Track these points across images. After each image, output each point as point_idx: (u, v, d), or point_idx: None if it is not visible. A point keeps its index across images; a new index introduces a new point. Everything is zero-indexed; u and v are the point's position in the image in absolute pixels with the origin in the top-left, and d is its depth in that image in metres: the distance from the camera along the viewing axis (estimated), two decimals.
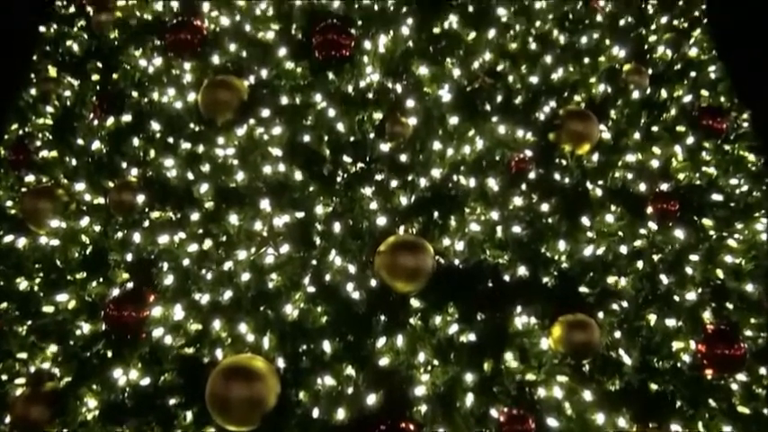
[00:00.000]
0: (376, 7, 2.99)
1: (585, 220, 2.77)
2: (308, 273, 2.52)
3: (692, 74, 3.46)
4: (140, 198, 2.77)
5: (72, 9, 3.65)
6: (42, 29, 3.65)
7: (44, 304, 2.79)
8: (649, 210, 2.97)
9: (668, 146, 3.11)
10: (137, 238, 2.70)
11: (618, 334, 2.65)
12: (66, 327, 2.71)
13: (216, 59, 2.96)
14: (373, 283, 2.51)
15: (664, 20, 3.56)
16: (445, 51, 2.95)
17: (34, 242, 2.98)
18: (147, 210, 2.76)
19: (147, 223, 2.74)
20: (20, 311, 2.90)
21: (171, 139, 2.87)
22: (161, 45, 3.07)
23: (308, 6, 2.99)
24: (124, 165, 2.93)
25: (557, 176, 2.86)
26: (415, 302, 2.48)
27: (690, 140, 3.19)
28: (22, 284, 2.94)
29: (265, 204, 2.60)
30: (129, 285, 2.68)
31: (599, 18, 3.30)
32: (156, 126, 2.91)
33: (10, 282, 2.96)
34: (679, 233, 2.92)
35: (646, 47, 3.40)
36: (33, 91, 3.49)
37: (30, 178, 3.17)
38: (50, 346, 2.74)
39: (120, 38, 3.23)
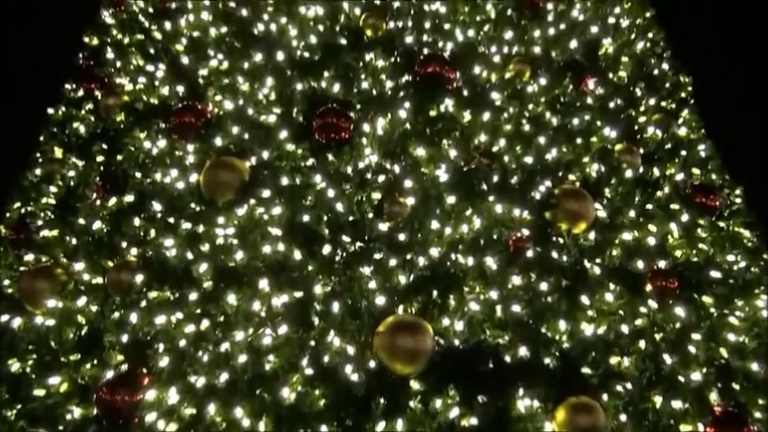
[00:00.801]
0: (374, 91, 3.12)
1: (585, 299, 2.77)
2: (305, 354, 2.49)
3: (683, 153, 3.55)
4: (139, 278, 2.77)
5: (81, 92, 3.78)
6: (51, 111, 3.75)
7: (36, 387, 2.73)
8: (648, 287, 2.96)
9: (663, 223, 3.14)
10: (133, 318, 2.68)
11: (624, 417, 2.58)
12: (57, 411, 2.64)
13: (218, 141, 3.04)
14: (372, 364, 2.47)
15: (652, 101, 3.68)
16: (442, 133, 3.03)
17: (29, 322, 2.95)
18: (144, 289, 2.75)
19: (144, 303, 2.72)
20: (10, 394, 2.84)
21: (171, 219, 2.90)
22: (166, 127, 3.16)
23: (309, 90, 3.11)
24: (124, 244, 2.95)
25: (554, 255, 2.87)
26: (414, 385, 2.44)
27: (685, 218, 3.22)
28: (14, 366, 2.88)
29: (264, 284, 2.61)
30: (124, 367, 2.64)
31: (589, 100, 3.42)
32: (157, 206, 2.95)
33: (2, 363, 2.91)
34: (680, 311, 2.90)
35: (636, 127, 3.50)
36: (38, 171, 3.57)
37: (29, 257, 3.18)
38: (40, 431, 2.66)
39: (126, 120, 3.33)
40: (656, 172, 3.35)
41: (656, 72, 3.88)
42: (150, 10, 3.71)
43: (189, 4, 3.55)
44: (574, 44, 3.55)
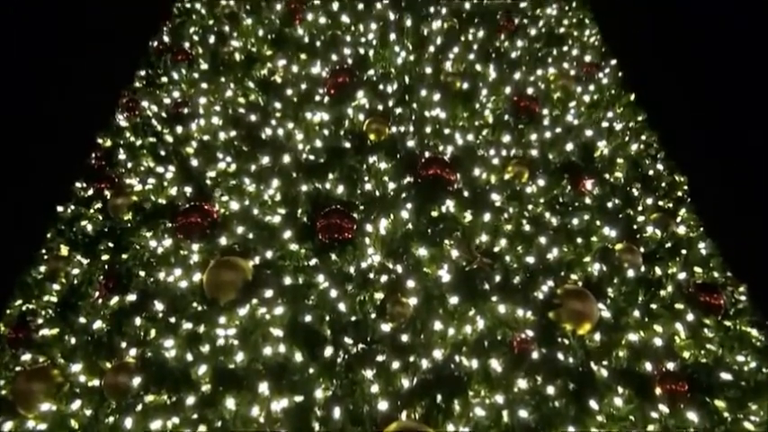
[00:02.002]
0: (377, 193, 3.20)
1: (593, 404, 2.68)
2: None
3: (683, 251, 3.56)
4: (136, 380, 2.71)
5: (91, 192, 3.88)
6: (60, 209, 3.84)
7: None
8: (658, 391, 2.88)
9: (669, 324, 3.11)
10: (128, 423, 2.60)
11: None
12: None
13: (223, 240, 3.08)
14: None
15: (649, 201, 3.76)
16: (443, 233, 3.07)
17: (21, 426, 2.87)
18: (141, 393, 2.69)
19: (140, 407, 2.65)
20: None
21: (173, 319, 2.88)
22: (172, 227, 3.21)
23: (314, 192, 3.19)
24: (123, 345, 2.92)
25: (560, 357, 2.82)
26: None
27: (690, 318, 3.19)
28: None
29: (264, 388, 2.55)
30: None
31: (587, 201, 3.50)
32: (159, 306, 2.93)
33: None
34: (692, 416, 2.81)
35: (635, 227, 3.54)
36: (42, 268, 3.60)
37: (26, 357, 3.14)
38: None
39: (133, 220, 3.39)
40: (658, 271, 3.36)
41: (651, 172, 3.99)
42: (163, 114, 3.89)
43: (200, 109, 3.73)
44: (570, 146, 3.67)
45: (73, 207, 3.84)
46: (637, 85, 4.41)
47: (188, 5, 4.69)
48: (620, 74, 4.38)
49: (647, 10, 7.40)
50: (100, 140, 4.08)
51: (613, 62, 4.42)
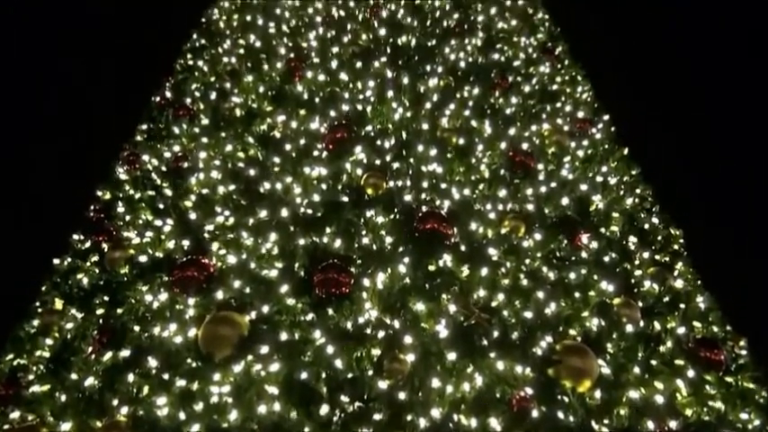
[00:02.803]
0: (374, 247, 3.20)
1: None
2: None
3: (682, 306, 3.55)
4: None
5: (88, 244, 3.87)
6: (56, 261, 3.82)
7: None
8: None
9: (670, 380, 3.06)
10: None
11: None
12: None
13: (220, 295, 3.06)
14: None
15: (646, 255, 3.76)
16: (441, 288, 3.06)
17: None
18: None
19: None
20: None
21: (166, 376, 2.83)
22: (168, 281, 3.20)
23: (311, 246, 3.19)
24: (115, 402, 2.84)
25: (560, 415, 2.76)
26: None
27: (691, 374, 3.14)
28: None
29: None
30: None
31: (584, 255, 3.50)
32: (152, 362, 2.89)
33: None
34: None
35: (632, 281, 3.53)
36: (36, 322, 3.55)
37: (15, 415, 3.06)
38: None
39: (129, 273, 3.37)
40: (657, 326, 3.33)
41: (646, 226, 4.01)
42: (163, 168, 3.94)
43: (200, 163, 3.78)
44: (565, 201, 3.70)
45: (69, 259, 3.82)
46: (630, 139, 4.50)
47: (190, 62, 4.82)
48: (612, 129, 4.48)
49: (637, 66, 7.61)
50: (99, 193, 4.10)
51: (606, 117, 4.53)
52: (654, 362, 3.14)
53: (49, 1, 7.63)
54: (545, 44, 5.11)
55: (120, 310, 3.23)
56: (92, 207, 4.14)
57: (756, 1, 7.34)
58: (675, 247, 4.06)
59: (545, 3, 5.70)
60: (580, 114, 4.46)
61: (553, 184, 3.78)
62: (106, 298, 3.39)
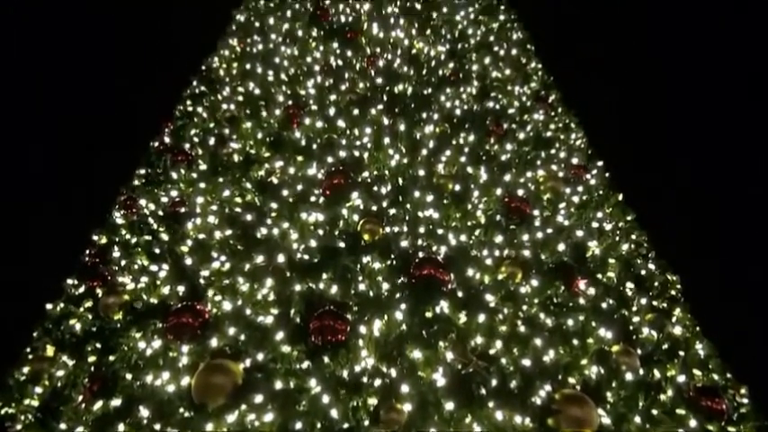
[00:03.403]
0: (371, 293, 3.19)
1: None
2: None
3: (681, 353, 3.52)
4: None
5: (82, 289, 3.84)
6: (49, 306, 3.77)
7: None
8: None
9: (672, 430, 3.00)
10: None
11: None
12: None
13: (214, 342, 3.03)
14: None
15: (643, 301, 3.75)
16: (438, 335, 3.03)
17: None
18: None
19: None
20: None
21: (158, 426, 2.77)
22: (162, 327, 3.16)
23: (307, 292, 3.18)
24: None
25: None
26: None
27: (693, 423, 3.08)
28: None
29: None
30: None
31: (581, 301, 3.49)
32: (144, 412, 2.83)
33: None
34: None
35: (631, 328, 3.51)
36: (26, 369, 3.48)
37: None
38: None
39: (123, 320, 3.34)
40: (657, 374, 3.29)
41: (643, 272, 4.01)
42: (160, 213, 3.94)
43: (197, 208, 3.78)
44: (562, 247, 3.71)
45: (63, 305, 3.78)
46: (624, 185, 4.55)
47: (190, 108, 4.89)
48: (606, 174, 4.53)
49: (630, 113, 7.77)
50: (95, 237, 4.09)
51: (600, 163, 4.58)
52: (655, 411, 3.09)
53: (50, 47, 7.80)
54: (538, 92, 5.21)
55: (112, 358, 3.19)
56: (87, 251, 4.12)
57: (751, 49, 7.55)
58: (673, 292, 4.05)
59: (538, 52, 5.83)
60: (574, 161, 4.51)
61: (549, 230, 3.79)
62: (98, 345, 3.35)
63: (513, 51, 5.56)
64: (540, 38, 6.07)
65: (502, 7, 6.23)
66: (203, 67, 5.31)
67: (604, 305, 3.53)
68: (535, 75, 5.45)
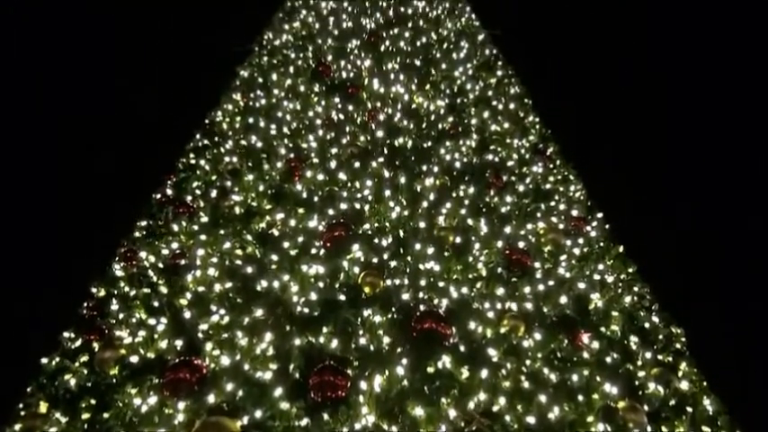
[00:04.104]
0: (372, 347, 3.14)
1: None
2: None
3: (689, 409, 3.44)
4: None
5: (78, 343, 3.79)
6: (44, 360, 3.71)
7: None
8: None
9: None
10: None
11: None
12: None
13: (211, 398, 2.96)
14: None
15: (648, 355, 3.69)
16: (440, 391, 2.97)
17: None
18: None
19: None
20: None
21: None
22: (159, 383, 3.10)
23: (307, 346, 3.13)
24: None
25: None
26: None
27: None
28: None
29: None
30: None
31: (585, 355, 3.43)
32: None
33: None
34: None
35: (636, 383, 3.44)
36: (18, 426, 3.39)
37: None
38: None
39: (119, 375, 3.27)
40: (665, 431, 3.21)
41: (647, 325, 3.96)
42: (160, 265, 3.93)
43: (197, 261, 3.78)
44: (564, 299, 3.68)
45: (58, 359, 3.72)
46: (624, 237, 4.55)
47: (192, 161, 4.94)
48: (606, 226, 4.54)
49: (627, 164, 7.84)
50: (94, 290, 4.06)
51: (599, 215, 4.60)
52: None
53: (52, 100, 7.96)
54: (537, 145, 5.29)
55: (106, 414, 3.10)
56: (85, 304, 4.09)
57: (748, 92, 7.69)
58: (678, 346, 3.99)
59: (535, 106, 5.95)
60: (574, 213, 4.53)
61: (551, 283, 3.77)
62: (93, 401, 3.27)
63: (511, 105, 5.68)
64: (538, 92, 6.21)
65: (499, 63, 6.40)
66: (207, 121, 5.40)
67: (609, 359, 3.47)
68: (533, 128, 5.55)
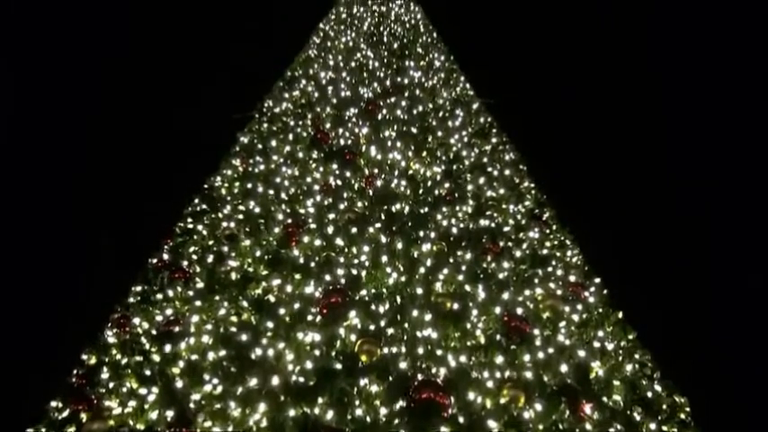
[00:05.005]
0: (368, 418, 3.06)
1: None
2: None
3: None
4: None
5: (66, 413, 3.67)
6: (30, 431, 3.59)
7: None
8: None
9: None
10: None
11: None
12: None
13: None
14: None
15: (653, 426, 3.59)
16: None
17: None
18: None
19: None
20: None
21: None
22: None
23: (302, 417, 3.04)
24: None
25: None
26: None
27: None
28: None
29: None
30: None
31: (588, 426, 3.34)
32: None
33: None
34: None
35: None
36: None
37: None
38: None
39: None
40: None
41: (650, 394, 3.87)
42: (153, 332, 3.87)
43: (192, 327, 3.72)
44: (564, 368, 3.61)
45: (44, 430, 3.60)
46: (623, 303, 4.51)
47: (190, 226, 4.96)
48: (605, 291, 4.51)
49: (623, 229, 7.89)
50: (84, 357, 3.98)
51: (597, 280, 4.58)
52: None
53: (50, 171, 8.06)
54: (533, 211, 5.34)
55: None
56: (75, 372, 3.99)
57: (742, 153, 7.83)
58: (682, 416, 3.89)
59: (530, 172, 6.05)
60: (572, 278, 4.51)
61: (550, 350, 3.71)
62: None
63: (507, 171, 5.77)
64: (532, 158, 6.33)
65: (494, 130, 6.56)
66: (206, 186, 5.46)
67: (612, 431, 3.38)
68: (529, 193, 5.62)
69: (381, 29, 8.48)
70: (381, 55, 7.51)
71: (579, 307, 4.21)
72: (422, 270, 4.12)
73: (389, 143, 5.71)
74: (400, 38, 8.21)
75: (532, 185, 5.75)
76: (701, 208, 8.06)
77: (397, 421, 3.04)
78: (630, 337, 4.20)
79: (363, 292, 3.89)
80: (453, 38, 8.27)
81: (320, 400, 3.13)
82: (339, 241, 4.32)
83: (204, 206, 5.17)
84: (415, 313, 3.68)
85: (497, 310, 3.88)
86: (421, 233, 4.51)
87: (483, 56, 9.97)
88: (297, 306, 3.76)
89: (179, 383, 3.33)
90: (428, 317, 3.67)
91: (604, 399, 3.60)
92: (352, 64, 7.27)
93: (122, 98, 9.83)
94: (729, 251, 7.55)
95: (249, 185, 5.20)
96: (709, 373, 5.97)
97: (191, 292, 4.06)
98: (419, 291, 3.91)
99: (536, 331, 3.84)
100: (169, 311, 3.98)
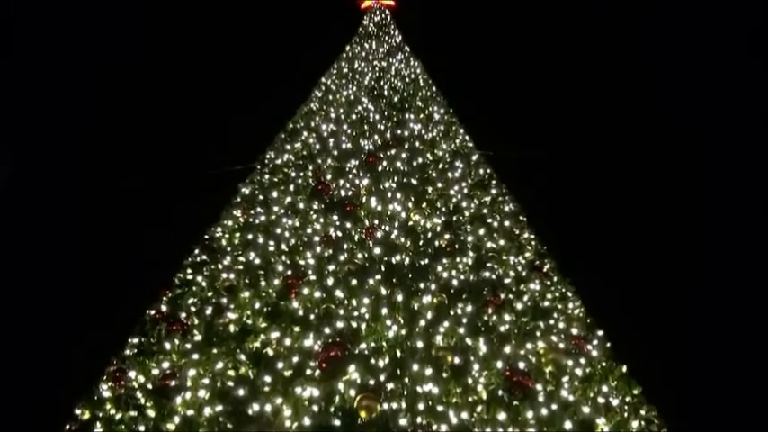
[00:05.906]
0: None
1: None
2: None
3: None
4: None
5: None
6: None
7: None
8: None
9: None
10: None
11: None
12: None
13: None
14: None
15: None
16: None
17: None
18: None
19: None
20: None
21: None
22: None
23: None
24: None
25: None
26: None
27: None
28: None
29: None
30: None
31: None
32: None
33: None
34: None
35: None
36: None
37: None
38: None
39: None
40: None
41: None
42: (149, 386, 3.80)
43: (188, 381, 3.66)
44: (568, 425, 3.53)
45: None
46: (627, 356, 4.44)
47: (189, 277, 4.93)
48: (608, 344, 4.45)
49: (622, 280, 7.86)
50: (78, 411, 3.89)
51: (600, 333, 4.52)
52: None
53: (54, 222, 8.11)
54: (533, 262, 5.32)
55: None
56: (67, 427, 3.90)
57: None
58: None
59: (530, 223, 6.06)
60: (574, 331, 4.46)
61: (554, 406, 3.64)
62: None
63: (506, 223, 5.77)
64: (532, 209, 6.35)
65: (493, 182, 6.59)
66: (206, 237, 5.45)
67: None
68: (529, 245, 5.60)
69: (382, 83, 8.64)
70: (382, 108, 7.63)
71: (582, 361, 4.15)
72: (422, 323, 4.07)
73: (390, 194, 5.73)
74: (400, 91, 8.36)
75: (532, 236, 5.75)
76: (704, 256, 8.05)
77: None
78: (635, 392, 4.12)
79: (363, 346, 3.85)
80: (452, 91, 8.44)
81: None
82: (339, 293, 4.29)
83: (204, 257, 5.15)
84: (415, 367, 3.62)
85: (499, 364, 3.83)
86: (421, 285, 4.48)
87: (482, 108, 10.16)
88: (295, 359, 3.71)
89: None
90: (429, 371, 3.61)
91: None
92: (353, 116, 7.38)
93: (123, 148, 9.98)
94: (732, 300, 7.50)
95: (249, 236, 5.20)
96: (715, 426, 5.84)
97: (188, 345, 4.01)
98: (419, 344, 3.86)
99: (539, 386, 3.77)
100: (166, 364, 3.92)
